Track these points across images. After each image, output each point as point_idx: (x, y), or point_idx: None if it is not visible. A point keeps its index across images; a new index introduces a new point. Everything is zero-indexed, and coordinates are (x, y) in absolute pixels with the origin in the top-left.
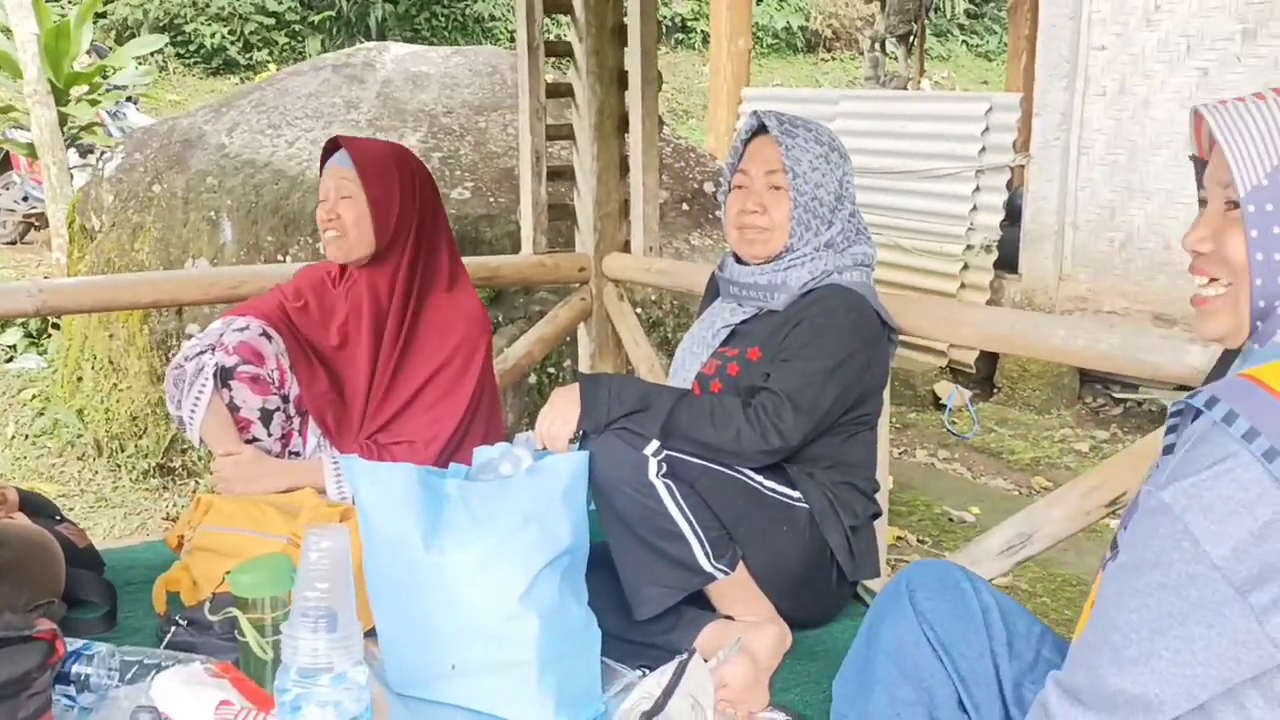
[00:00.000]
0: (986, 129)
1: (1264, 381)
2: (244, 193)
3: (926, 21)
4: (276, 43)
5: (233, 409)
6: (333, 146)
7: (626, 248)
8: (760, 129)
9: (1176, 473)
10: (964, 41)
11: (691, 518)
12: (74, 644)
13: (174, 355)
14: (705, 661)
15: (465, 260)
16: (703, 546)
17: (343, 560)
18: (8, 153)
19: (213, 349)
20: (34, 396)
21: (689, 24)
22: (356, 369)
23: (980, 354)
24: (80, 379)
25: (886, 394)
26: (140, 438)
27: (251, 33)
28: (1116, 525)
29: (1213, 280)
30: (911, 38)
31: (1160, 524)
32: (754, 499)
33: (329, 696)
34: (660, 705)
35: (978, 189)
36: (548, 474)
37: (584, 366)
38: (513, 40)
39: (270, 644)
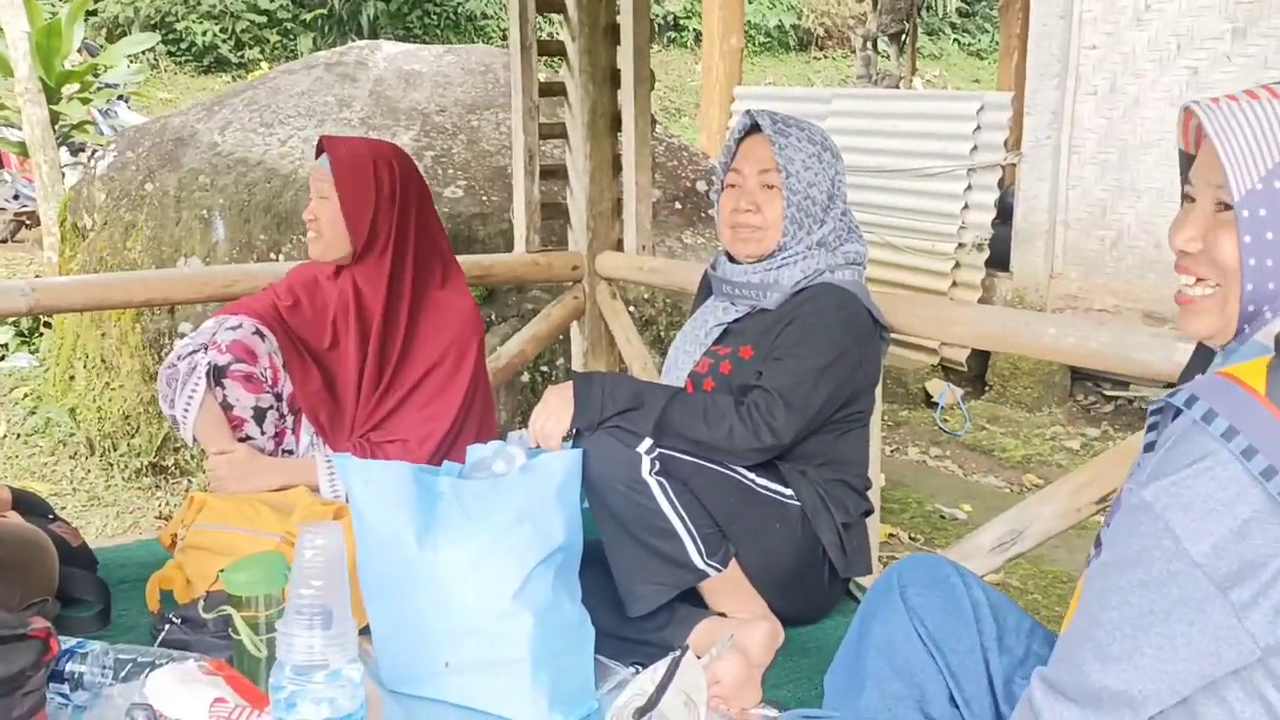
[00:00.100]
0: (978, 127)
1: (1243, 380)
2: (236, 191)
3: (918, 20)
4: (268, 40)
5: (226, 407)
6: (322, 146)
7: (619, 246)
8: (753, 128)
9: (1157, 471)
10: (956, 40)
11: (684, 515)
12: (68, 642)
13: (166, 354)
14: (698, 658)
15: (458, 259)
16: (696, 544)
17: (338, 558)
18: None
19: (205, 348)
20: (26, 395)
21: (681, 22)
22: (347, 368)
23: (972, 352)
24: (72, 378)
25: (878, 392)
26: (133, 436)
27: (243, 30)
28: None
29: (1200, 280)
30: (903, 36)
31: (1142, 522)
32: (747, 496)
33: (324, 693)
34: (653, 702)
35: (969, 187)
36: (541, 472)
37: (577, 365)
38: (505, 38)
39: (264, 641)
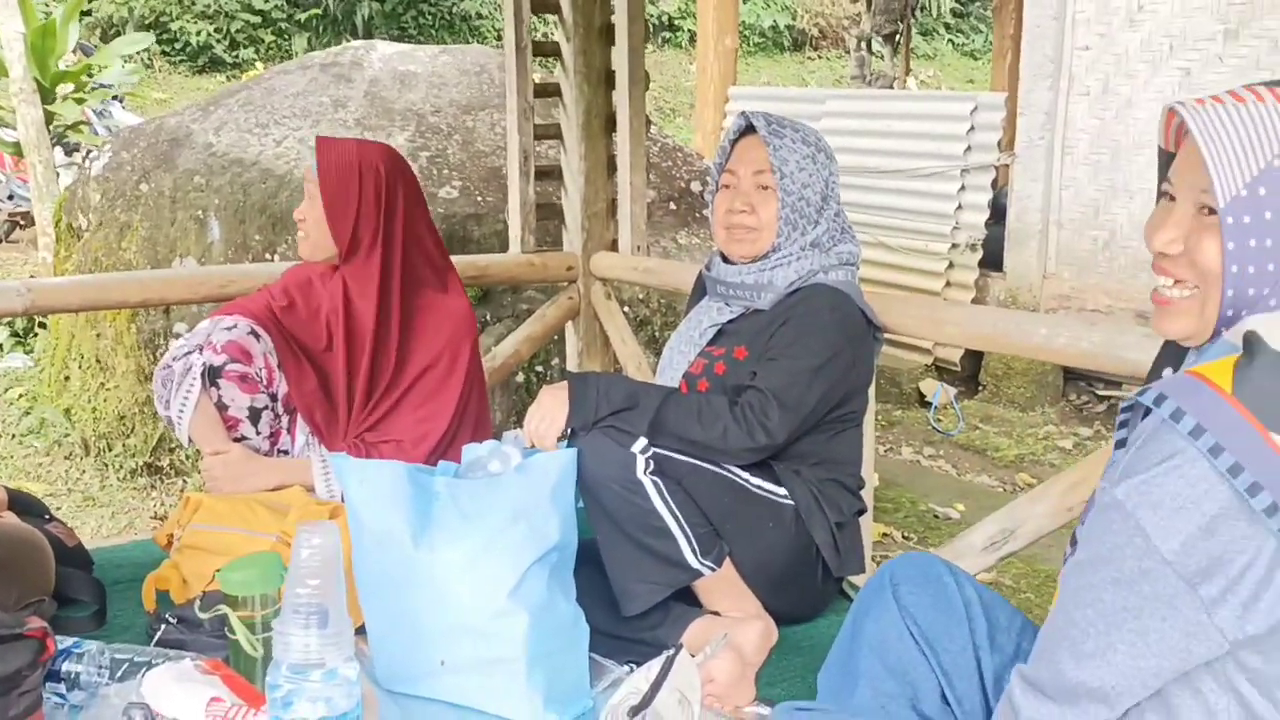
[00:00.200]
0: (972, 128)
1: (1210, 379)
2: (231, 192)
3: (912, 20)
4: (263, 41)
5: (221, 408)
6: None
7: (614, 247)
8: (748, 129)
9: (1128, 470)
10: (950, 41)
11: (679, 515)
12: (64, 642)
13: (161, 354)
14: (692, 657)
15: (453, 259)
16: (690, 543)
17: (334, 557)
18: None
19: (200, 349)
20: (21, 395)
21: (676, 23)
22: (340, 368)
23: (965, 352)
24: (67, 378)
25: (872, 392)
26: (128, 437)
27: (238, 31)
28: None
29: (1179, 282)
30: (897, 37)
31: (1113, 520)
32: (741, 496)
33: (320, 692)
34: (648, 700)
35: (963, 188)
36: (536, 472)
37: (572, 365)
38: (500, 38)
39: (260, 641)
